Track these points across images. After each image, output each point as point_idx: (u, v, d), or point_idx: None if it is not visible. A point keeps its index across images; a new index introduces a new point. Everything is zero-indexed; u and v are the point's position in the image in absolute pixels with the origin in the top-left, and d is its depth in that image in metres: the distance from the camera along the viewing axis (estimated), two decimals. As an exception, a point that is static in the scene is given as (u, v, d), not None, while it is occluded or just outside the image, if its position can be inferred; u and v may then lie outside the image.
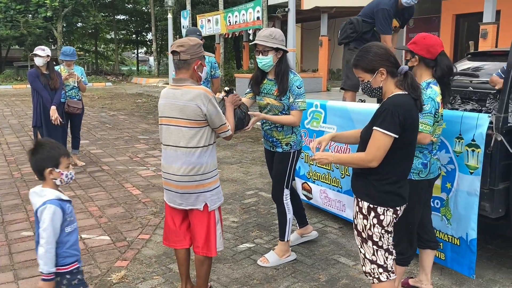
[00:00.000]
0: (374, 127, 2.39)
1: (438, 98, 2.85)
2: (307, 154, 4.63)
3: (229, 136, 2.94)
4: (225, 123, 2.87)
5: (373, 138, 2.40)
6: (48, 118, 6.05)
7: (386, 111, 2.36)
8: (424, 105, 2.67)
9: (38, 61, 5.98)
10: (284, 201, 3.70)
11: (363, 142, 2.54)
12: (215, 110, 2.78)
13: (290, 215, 3.72)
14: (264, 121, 3.67)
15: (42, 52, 5.97)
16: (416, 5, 5.34)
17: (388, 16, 5.05)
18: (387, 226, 2.48)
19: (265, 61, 3.45)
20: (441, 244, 3.41)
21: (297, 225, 4.12)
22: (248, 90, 3.79)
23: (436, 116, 2.84)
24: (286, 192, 3.70)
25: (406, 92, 2.44)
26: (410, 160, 2.55)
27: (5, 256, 3.82)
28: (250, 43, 3.53)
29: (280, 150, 3.64)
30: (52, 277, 2.28)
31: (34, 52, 6.02)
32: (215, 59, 5.82)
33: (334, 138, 2.92)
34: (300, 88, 3.49)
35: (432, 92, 2.84)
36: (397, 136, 2.35)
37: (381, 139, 2.36)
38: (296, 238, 4.10)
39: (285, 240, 3.74)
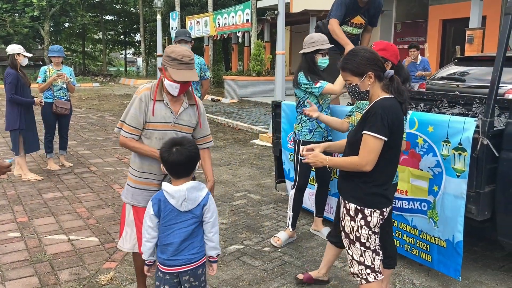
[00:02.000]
0: (364, 131, 2.41)
1: None
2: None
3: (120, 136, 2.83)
4: (122, 122, 2.78)
5: (364, 143, 2.42)
6: (27, 120, 6.02)
7: (375, 114, 2.39)
8: None
9: (25, 61, 5.97)
10: None
11: (350, 145, 2.56)
12: (128, 106, 2.81)
13: None
14: (327, 111, 4.06)
15: (26, 53, 5.96)
16: (406, 9, 5.24)
17: (340, 3, 4.90)
18: (374, 227, 2.52)
19: (327, 60, 4.03)
20: (428, 246, 3.46)
21: (290, 226, 4.15)
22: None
23: None
24: None
25: (392, 96, 2.48)
26: (396, 162, 2.59)
27: (-9, 258, 3.78)
28: (312, 50, 3.93)
29: (331, 137, 4.10)
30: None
31: (24, 54, 5.93)
32: (204, 61, 5.82)
33: (328, 148, 2.89)
34: None
35: None
36: (386, 139, 2.39)
37: (372, 143, 2.39)
38: (286, 238, 4.16)
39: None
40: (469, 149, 3.10)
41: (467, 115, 4.09)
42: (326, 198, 4.35)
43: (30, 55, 5.97)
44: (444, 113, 4.29)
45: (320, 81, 3.93)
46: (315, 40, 3.94)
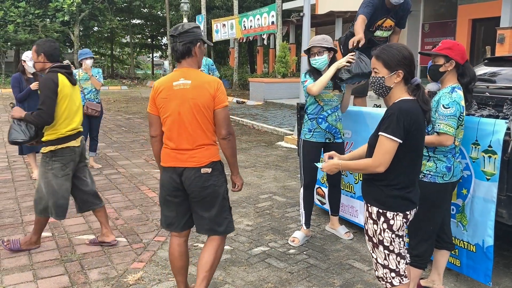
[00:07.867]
0: (380, 132, 2.40)
1: (463, 102, 2.94)
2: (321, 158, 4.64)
3: None
4: None
5: (379, 143, 2.41)
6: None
7: (391, 116, 2.37)
8: (449, 108, 2.86)
9: (30, 69, 6.11)
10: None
11: (371, 148, 2.54)
12: None
13: None
14: (330, 113, 4.04)
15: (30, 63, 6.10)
16: (432, 9, 5.14)
17: (368, 2, 4.85)
18: (398, 230, 2.48)
19: (321, 60, 3.96)
20: (456, 250, 3.39)
21: (304, 225, 4.22)
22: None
23: (460, 119, 2.93)
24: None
25: (413, 97, 2.46)
26: (418, 164, 2.55)
27: (24, 256, 3.89)
28: (304, 49, 4.00)
29: (340, 140, 4.13)
30: None
31: (27, 62, 6.07)
32: (211, 61, 5.78)
33: (351, 158, 2.84)
34: None
35: (457, 96, 2.92)
36: (401, 141, 2.36)
37: (387, 144, 2.37)
38: (303, 237, 4.23)
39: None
40: (499, 152, 3.03)
41: (497, 117, 3.99)
42: (339, 198, 4.38)
43: (30, 65, 6.09)
44: (473, 114, 4.21)
45: (308, 79, 4.00)
46: (312, 39, 4.00)
